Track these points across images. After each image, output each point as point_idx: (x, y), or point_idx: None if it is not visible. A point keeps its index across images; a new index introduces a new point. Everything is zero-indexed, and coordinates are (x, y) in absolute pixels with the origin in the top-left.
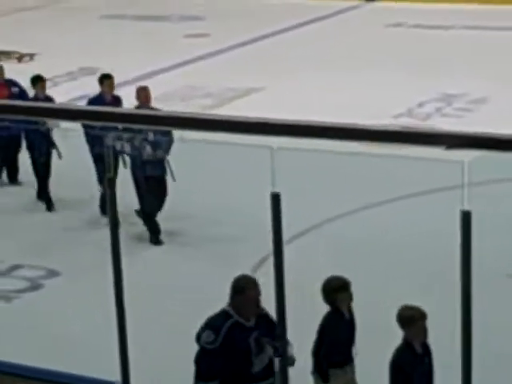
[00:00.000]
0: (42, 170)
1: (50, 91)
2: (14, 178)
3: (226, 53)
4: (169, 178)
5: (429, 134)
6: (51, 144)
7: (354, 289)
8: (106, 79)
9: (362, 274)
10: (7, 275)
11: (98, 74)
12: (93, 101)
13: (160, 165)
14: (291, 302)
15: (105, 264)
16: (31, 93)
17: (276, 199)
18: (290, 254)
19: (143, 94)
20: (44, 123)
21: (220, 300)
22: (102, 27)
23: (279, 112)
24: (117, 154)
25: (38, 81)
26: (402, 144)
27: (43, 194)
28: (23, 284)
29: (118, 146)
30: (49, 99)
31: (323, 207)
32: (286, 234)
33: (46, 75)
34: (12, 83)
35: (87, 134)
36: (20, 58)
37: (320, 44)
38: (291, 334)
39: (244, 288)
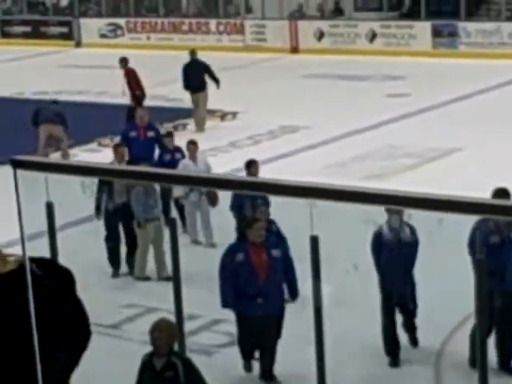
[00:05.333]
0: None
1: (250, 149)
2: None
3: (427, 112)
4: None
5: None
6: None
7: None
8: None
9: None
10: (208, 329)
11: (300, 133)
12: None
13: None
14: None
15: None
16: None
17: None
18: None
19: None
20: None
21: None
22: (303, 86)
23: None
24: None
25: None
26: None
27: None
28: (224, 339)
29: None
30: None
31: None
32: None
33: (246, 134)
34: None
35: None
36: (223, 116)
37: None
38: None
39: None
